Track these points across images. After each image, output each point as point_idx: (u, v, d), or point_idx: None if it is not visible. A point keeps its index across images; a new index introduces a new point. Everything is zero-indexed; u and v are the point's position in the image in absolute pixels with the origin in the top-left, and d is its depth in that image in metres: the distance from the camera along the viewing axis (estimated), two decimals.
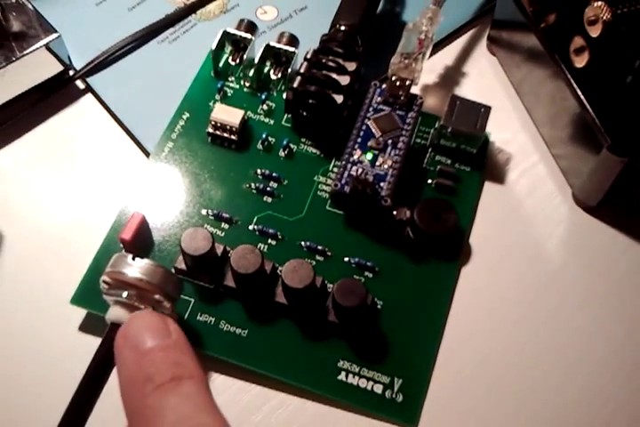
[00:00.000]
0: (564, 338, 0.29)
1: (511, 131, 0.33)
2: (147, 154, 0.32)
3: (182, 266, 0.27)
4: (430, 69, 0.35)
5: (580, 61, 0.31)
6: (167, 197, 0.30)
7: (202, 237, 0.26)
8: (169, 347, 0.22)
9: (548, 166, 0.32)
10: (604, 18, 0.30)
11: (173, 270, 0.28)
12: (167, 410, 0.20)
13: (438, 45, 0.36)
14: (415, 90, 0.33)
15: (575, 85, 0.30)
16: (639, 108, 0.29)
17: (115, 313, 0.24)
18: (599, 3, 0.30)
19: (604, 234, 0.31)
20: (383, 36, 0.34)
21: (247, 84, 0.32)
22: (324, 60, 0.30)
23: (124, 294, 0.24)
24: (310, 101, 0.30)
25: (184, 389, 0.20)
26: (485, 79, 0.35)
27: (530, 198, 0.32)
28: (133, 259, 0.24)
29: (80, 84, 0.34)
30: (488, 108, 0.31)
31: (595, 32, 0.30)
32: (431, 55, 0.35)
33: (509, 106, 0.34)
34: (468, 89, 0.34)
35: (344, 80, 0.30)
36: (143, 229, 0.28)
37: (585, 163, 0.30)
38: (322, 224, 0.29)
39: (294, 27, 0.35)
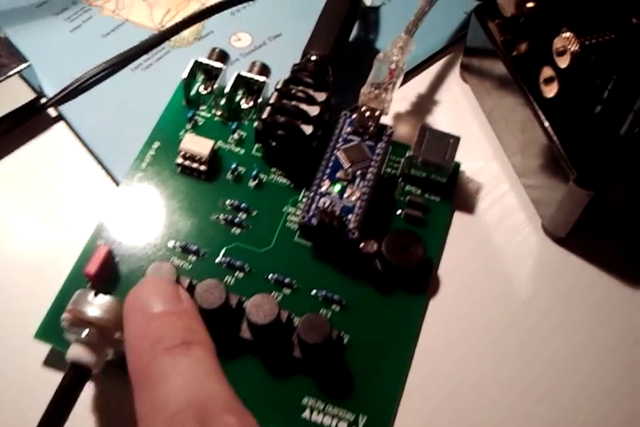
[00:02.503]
0: (534, 371, 0.29)
1: (482, 160, 0.33)
2: (117, 183, 0.32)
3: None
4: (403, 97, 0.35)
5: (550, 92, 0.31)
6: (135, 228, 0.29)
7: (166, 271, 0.26)
8: (180, 313, 0.21)
9: (519, 196, 0.32)
10: (572, 49, 0.30)
11: None
12: (176, 372, 0.19)
13: (411, 73, 0.36)
14: (387, 119, 0.33)
15: (543, 116, 0.30)
16: (607, 141, 0.29)
17: (75, 352, 0.24)
18: (567, 34, 0.30)
19: (573, 265, 0.31)
20: (356, 64, 0.34)
21: (219, 113, 0.32)
22: (293, 91, 0.30)
23: (84, 333, 0.24)
24: (279, 132, 0.30)
25: (194, 353, 0.20)
26: (458, 107, 0.35)
27: (499, 229, 0.32)
28: (96, 295, 0.24)
29: (52, 111, 0.34)
30: (457, 139, 0.31)
31: (563, 63, 0.30)
32: (404, 83, 0.35)
33: (481, 134, 0.34)
34: (441, 117, 0.35)
35: (313, 111, 0.30)
36: (109, 263, 0.28)
37: (553, 194, 0.30)
38: (290, 256, 0.29)
39: (268, 54, 0.36)
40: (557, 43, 0.30)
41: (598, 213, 0.31)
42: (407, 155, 0.31)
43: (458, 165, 0.32)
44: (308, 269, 0.29)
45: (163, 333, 0.20)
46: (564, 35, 0.30)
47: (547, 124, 0.29)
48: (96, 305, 0.24)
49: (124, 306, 0.22)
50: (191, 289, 0.27)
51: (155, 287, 0.22)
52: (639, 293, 0.30)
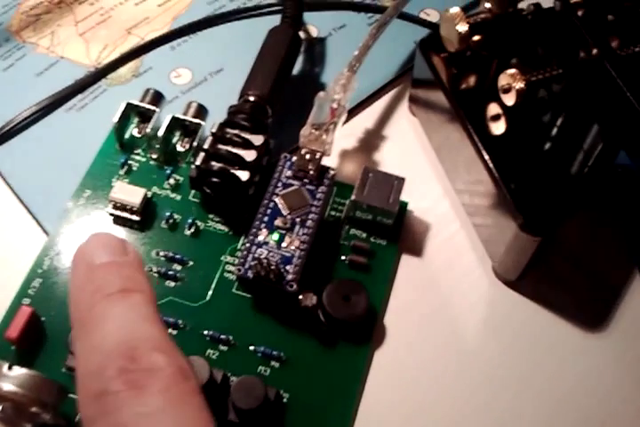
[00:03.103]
0: (487, 422, 0.28)
1: (431, 198, 0.32)
2: (47, 234, 0.30)
3: (73, 364, 0.26)
4: (349, 133, 0.33)
5: (497, 129, 0.30)
6: (64, 283, 0.28)
7: None
8: (123, 263, 0.21)
9: (469, 236, 0.31)
10: (517, 87, 0.29)
11: (64, 369, 0.26)
12: (111, 317, 0.20)
13: (359, 106, 0.34)
14: (332, 157, 0.32)
15: (487, 157, 0.28)
16: (555, 183, 0.28)
17: None
18: (512, 71, 0.29)
19: (524, 309, 0.30)
20: (300, 99, 0.33)
21: (154, 157, 0.31)
22: (229, 135, 0.29)
23: None
24: (214, 180, 0.29)
25: (132, 299, 0.20)
26: (407, 142, 0.34)
27: (449, 272, 0.30)
28: (10, 368, 0.23)
29: None
30: (402, 180, 0.30)
31: (509, 100, 0.29)
32: (351, 117, 0.34)
33: (431, 171, 0.33)
34: (389, 153, 0.33)
35: (250, 155, 0.29)
36: (33, 324, 0.27)
37: (502, 237, 0.29)
38: (227, 310, 0.28)
39: (209, 90, 0.34)
40: (502, 80, 0.29)
41: (550, 253, 0.30)
42: (350, 199, 0.30)
43: (405, 205, 0.31)
44: (247, 323, 0.28)
45: (103, 281, 0.21)
46: (508, 71, 0.29)
47: (491, 165, 0.28)
48: (11, 378, 0.22)
49: (72, 262, 0.22)
50: None
51: (101, 241, 0.22)
52: (593, 336, 0.29)
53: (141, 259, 0.22)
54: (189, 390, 0.19)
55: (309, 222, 0.29)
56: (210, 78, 0.35)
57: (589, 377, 0.28)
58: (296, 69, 0.34)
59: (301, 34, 0.35)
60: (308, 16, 0.36)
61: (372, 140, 0.34)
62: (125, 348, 0.19)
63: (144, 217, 0.29)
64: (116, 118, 0.30)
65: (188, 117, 0.31)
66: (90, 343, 0.19)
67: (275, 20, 0.34)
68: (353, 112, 0.34)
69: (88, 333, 0.20)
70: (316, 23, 0.37)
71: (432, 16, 0.37)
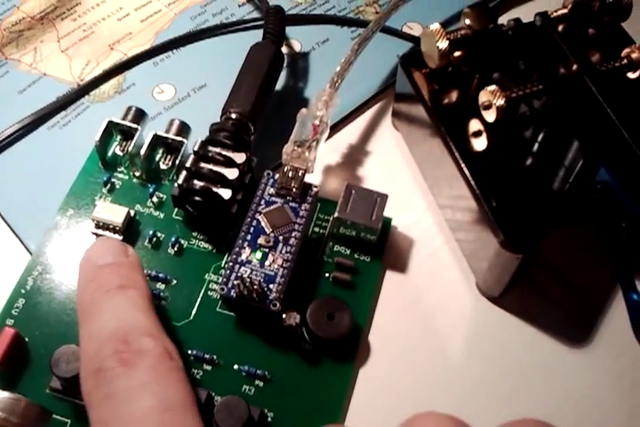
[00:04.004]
0: None
1: (415, 213, 0.32)
2: (30, 253, 0.30)
3: (57, 385, 0.26)
4: (333, 149, 0.34)
5: (479, 145, 0.30)
6: (48, 302, 0.28)
7: (76, 356, 0.25)
8: (123, 264, 0.25)
9: (453, 251, 0.31)
10: (498, 104, 0.29)
11: (48, 390, 0.26)
12: (108, 308, 0.23)
13: (343, 121, 0.35)
14: (316, 173, 0.32)
15: (468, 173, 0.29)
16: (536, 200, 0.28)
17: None
18: (492, 87, 0.29)
19: (509, 324, 0.30)
20: (283, 114, 0.33)
21: (137, 174, 0.31)
22: (211, 153, 0.29)
23: None
24: (196, 198, 0.29)
25: (128, 294, 0.24)
26: (390, 157, 0.34)
27: (433, 288, 0.30)
28: None
29: None
30: (384, 197, 0.30)
31: (490, 117, 0.29)
32: (335, 132, 0.34)
33: (414, 185, 0.33)
34: (372, 168, 0.33)
35: (232, 174, 0.29)
36: (17, 345, 0.26)
37: (484, 253, 0.29)
38: (212, 328, 0.28)
39: (193, 106, 0.34)
40: (482, 96, 0.29)
41: (533, 269, 0.30)
42: (333, 216, 0.30)
43: (389, 221, 0.31)
44: (231, 341, 0.28)
45: (104, 279, 0.24)
46: (488, 88, 0.29)
47: (472, 181, 0.28)
48: None
49: (79, 262, 0.25)
50: None
51: (105, 244, 0.26)
52: (577, 351, 0.29)
53: (140, 262, 0.26)
54: (173, 367, 0.22)
55: (292, 240, 0.29)
56: (193, 94, 0.35)
57: (574, 392, 0.28)
58: (279, 85, 0.34)
59: (284, 48, 0.35)
60: (290, 30, 0.36)
61: (355, 155, 0.34)
62: (120, 333, 0.22)
63: (127, 236, 0.29)
64: (97, 137, 0.30)
65: (171, 135, 0.31)
66: (90, 331, 0.23)
67: (259, 34, 0.35)
68: (336, 127, 0.34)
69: (89, 322, 0.23)
70: (299, 37, 0.37)
71: (415, 30, 0.37)
